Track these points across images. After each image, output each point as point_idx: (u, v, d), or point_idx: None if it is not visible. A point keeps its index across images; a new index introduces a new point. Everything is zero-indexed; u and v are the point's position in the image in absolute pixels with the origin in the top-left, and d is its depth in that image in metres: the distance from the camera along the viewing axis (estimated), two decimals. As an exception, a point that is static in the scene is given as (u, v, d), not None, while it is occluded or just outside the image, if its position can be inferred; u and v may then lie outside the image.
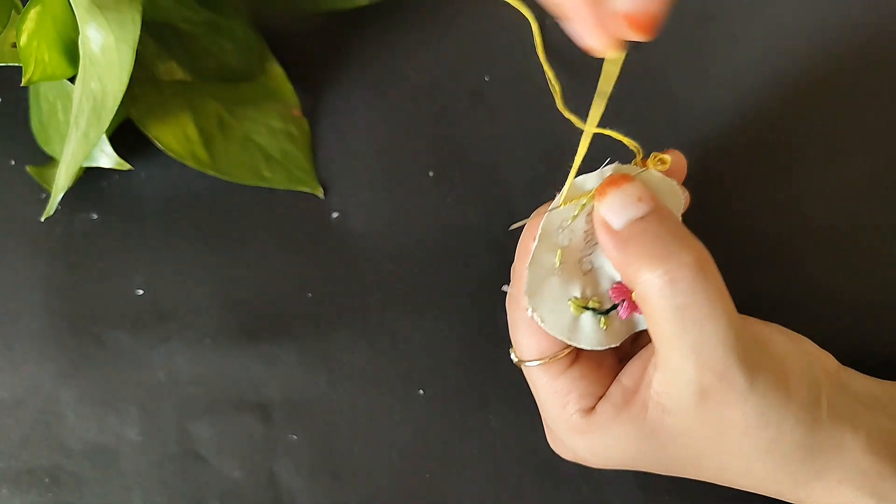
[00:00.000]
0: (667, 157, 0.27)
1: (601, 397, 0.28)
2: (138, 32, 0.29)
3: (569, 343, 0.27)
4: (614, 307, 0.28)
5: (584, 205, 0.27)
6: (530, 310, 0.27)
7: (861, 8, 0.38)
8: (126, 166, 0.33)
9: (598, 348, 0.27)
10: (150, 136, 0.34)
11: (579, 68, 0.34)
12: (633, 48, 0.24)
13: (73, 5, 0.28)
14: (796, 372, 0.26)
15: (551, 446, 0.31)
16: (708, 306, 0.24)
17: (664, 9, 0.22)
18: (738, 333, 0.25)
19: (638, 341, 0.30)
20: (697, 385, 0.25)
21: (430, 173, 0.37)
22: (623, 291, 0.28)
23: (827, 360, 0.30)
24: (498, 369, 0.35)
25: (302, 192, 0.37)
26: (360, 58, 0.38)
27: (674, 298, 0.24)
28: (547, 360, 0.27)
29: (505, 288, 0.29)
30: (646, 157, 0.28)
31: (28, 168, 0.36)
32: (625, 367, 0.28)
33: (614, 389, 0.28)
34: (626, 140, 0.27)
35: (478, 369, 0.35)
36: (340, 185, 0.37)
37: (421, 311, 0.35)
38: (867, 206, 0.36)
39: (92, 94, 0.29)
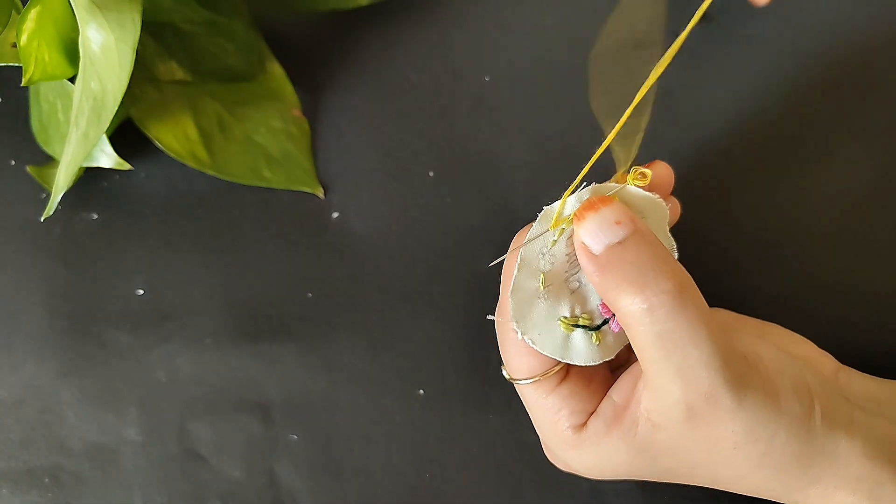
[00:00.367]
0: (647, 171, 0.27)
1: (592, 413, 0.28)
2: (138, 32, 0.29)
3: (563, 361, 0.27)
4: (605, 322, 0.28)
5: (563, 229, 0.26)
6: (520, 333, 0.26)
7: (861, 6, 0.38)
8: (126, 166, 0.33)
9: (593, 363, 0.27)
10: (150, 136, 0.34)
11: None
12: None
13: (73, 5, 0.28)
14: (787, 384, 0.26)
15: (547, 456, 0.31)
16: (690, 331, 0.24)
17: None
18: (724, 354, 0.25)
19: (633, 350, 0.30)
20: (685, 405, 0.25)
21: (430, 173, 0.37)
22: None
23: (825, 361, 0.30)
24: (498, 369, 0.35)
25: (302, 192, 0.37)
26: (360, 58, 0.38)
27: (654, 325, 0.24)
28: (537, 378, 0.27)
29: (490, 317, 0.28)
30: (629, 170, 0.27)
31: (28, 168, 0.36)
32: (615, 384, 0.28)
33: (605, 406, 0.28)
34: (615, 147, 0.26)
35: (478, 369, 0.35)
36: (340, 185, 0.37)
37: (421, 311, 0.35)
38: (868, 205, 0.36)
39: (92, 94, 0.29)
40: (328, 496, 0.34)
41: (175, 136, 0.35)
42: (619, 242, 0.25)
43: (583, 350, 0.27)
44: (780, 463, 0.26)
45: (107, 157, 0.33)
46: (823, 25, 0.38)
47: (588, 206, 0.26)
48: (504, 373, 0.29)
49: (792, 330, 0.31)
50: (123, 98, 0.29)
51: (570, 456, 0.28)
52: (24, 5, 0.31)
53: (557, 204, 0.26)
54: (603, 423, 0.27)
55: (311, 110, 0.38)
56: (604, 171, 0.27)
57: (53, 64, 0.31)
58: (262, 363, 0.35)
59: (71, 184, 0.32)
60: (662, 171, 0.28)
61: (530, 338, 0.26)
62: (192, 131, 0.35)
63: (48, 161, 0.36)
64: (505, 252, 0.28)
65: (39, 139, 0.36)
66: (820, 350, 0.31)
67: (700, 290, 0.25)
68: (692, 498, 0.33)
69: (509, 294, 0.26)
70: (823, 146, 0.37)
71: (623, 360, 0.29)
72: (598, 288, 0.26)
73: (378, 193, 0.37)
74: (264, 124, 0.36)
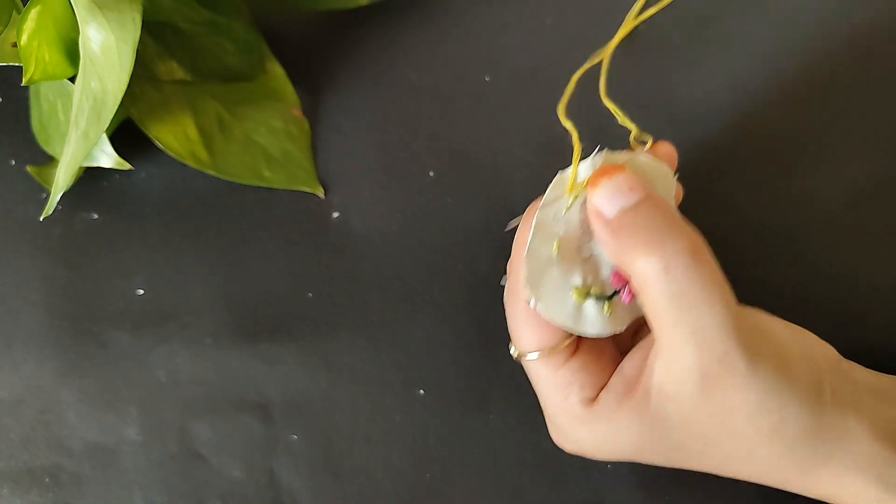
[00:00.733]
0: (649, 135, 0.28)
1: (603, 388, 0.28)
2: (138, 32, 0.29)
3: (574, 331, 0.27)
4: (616, 293, 0.28)
5: (576, 195, 0.27)
6: (533, 300, 0.26)
7: (862, 5, 0.38)
8: (126, 166, 0.33)
9: (604, 334, 0.27)
10: (150, 135, 0.34)
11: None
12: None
13: (73, 5, 0.28)
14: (797, 358, 0.26)
15: (554, 441, 0.31)
16: (705, 292, 0.24)
17: None
18: (737, 319, 0.25)
19: (639, 334, 0.30)
20: (698, 371, 0.25)
21: (430, 173, 0.37)
22: (623, 277, 0.28)
23: (828, 351, 0.30)
24: (498, 369, 0.35)
25: (302, 192, 0.37)
26: (361, 58, 0.38)
27: (670, 285, 0.24)
28: (547, 351, 0.27)
29: (503, 282, 0.28)
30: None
31: (28, 168, 0.36)
32: (626, 358, 0.28)
33: (616, 379, 0.27)
34: (621, 117, 0.27)
35: (478, 369, 0.35)
36: (340, 185, 0.37)
37: (421, 311, 0.35)
38: (870, 201, 0.36)
39: (92, 94, 0.29)
40: (328, 496, 0.34)
41: (175, 136, 0.35)
42: (632, 207, 0.25)
43: (594, 320, 0.27)
44: (791, 437, 0.26)
45: (107, 157, 0.33)
46: (824, 24, 0.38)
47: (602, 173, 0.26)
48: (512, 350, 0.29)
49: (794, 323, 0.31)
50: (123, 98, 0.29)
51: (581, 433, 0.28)
52: (24, 5, 0.31)
53: (571, 169, 0.27)
54: (614, 396, 0.27)
55: (311, 110, 0.38)
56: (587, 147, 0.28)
57: (53, 64, 0.31)
58: (262, 363, 0.35)
59: (71, 183, 0.32)
60: (667, 151, 0.29)
61: (543, 306, 0.26)
62: (192, 131, 0.35)
63: (48, 161, 0.36)
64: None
65: (39, 139, 0.36)
66: (822, 341, 0.31)
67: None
68: (694, 499, 0.33)
69: (524, 257, 0.26)
70: (825, 143, 0.37)
71: (629, 345, 0.29)
72: (613, 252, 0.26)
73: (378, 193, 0.37)
74: (264, 124, 0.36)
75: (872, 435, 0.26)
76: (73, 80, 0.31)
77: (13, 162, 0.37)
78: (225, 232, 0.36)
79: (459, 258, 0.36)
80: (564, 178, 0.27)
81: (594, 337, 0.27)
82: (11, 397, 0.34)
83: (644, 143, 0.29)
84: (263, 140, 0.36)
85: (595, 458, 0.29)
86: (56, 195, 0.32)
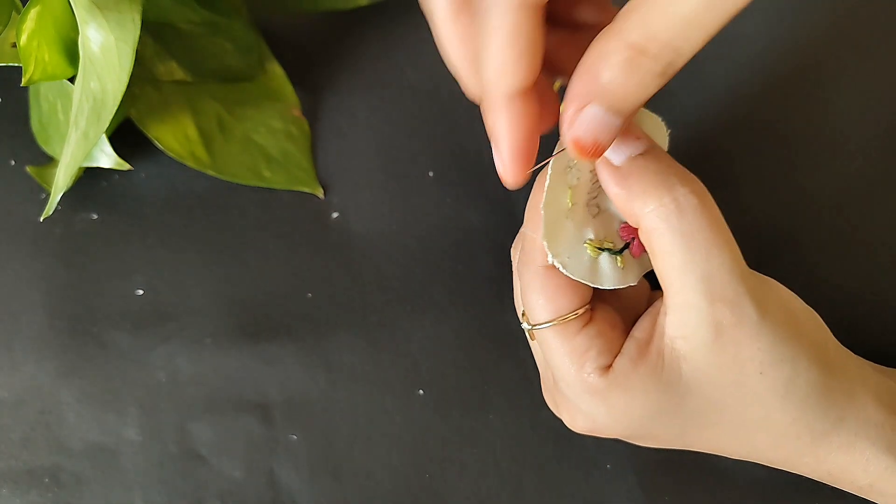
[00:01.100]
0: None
1: (617, 355, 0.27)
2: (138, 32, 0.29)
3: (591, 284, 0.27)
4: (626, 246, 0.28)
5: None
6: (550, 256, 0.26)
7: (862, 4, 0.38)
8: (126, 166, 0.33)
9: (621, 286, 0.27)
10: (150, 136, 0.34)
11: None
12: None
13: (73, 5, 0.28)
14: (802, 312, 0.27)
15: (565, 421, 0.30)
16: (713, 234, 0.25)
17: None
18: (744, 267, 0.25)
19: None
20: (710, 320, 0.25)
21: (430, 173, 0.37)
22: (632, 230, 0.28)
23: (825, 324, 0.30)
24: (498, 369, 0.35)
25: (302, 192, 0.37)
26: (361, 58, 0.38)
27: (680, 225, 0.24)
28: (561, 320, 0.27)
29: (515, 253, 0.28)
30: None
31: (28, 168, 0.36)
32: (636, 324, 0.28)
33: (628, 344, 0.27)
34: None
35: (478, 369, 0.35)
36: (340, 185, 0.37)
37: (421, 311, 0.35)
38: (870, 201, 0.36)
39: (92, 94, 0.29)
40: (328, 496, 0.34)
41: (175, 136, 0.35)
42: (640, 154, 0.26)
43: (609, 273, 0.27)
44: (803, 394, 0.26)
45: (107, 157, 0.33)
46: (824, 23, 0.38)
47: None
48: (524, 324, 0.29)
49: None
50: (123, 98, 0.29)
51: (596, 405, 0.27)
52: (24, 5, 0.31)
53: None
54: (629, 360, 0.27)
55: (311, 110, 0.38)
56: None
57: (53, 64, 0.31)
58: (262, 363, 0.35)
59: (71, 184, 0.32)
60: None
61: (560, 261, 0.26)
62: (192, 131, 0.35)
63: (48, 161, 0.36)
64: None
65: (39, 139, 0.36)
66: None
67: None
68: (694, 499, 0.33)
69: (541, 207, 0.26)
70: (824, 142, 0.37)
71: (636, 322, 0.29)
72: (620, 200, 0.26)
73: (378, 193, 0.37)
74: (264, 124, 0.36)
75: (878, 401, 0.26)
76: (72, 80, 0.31)
77: (13, 162, 0.37)
78: (225, 232, 0.36)
79: (459, 258, 0.36)
80: None
81: (611, 289, 0.27)
82: (11, 397, 0.34)
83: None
84: (263, 140, 0.36)
85: (607, 435, 0.29)
86: (56, 195, 0.32)
